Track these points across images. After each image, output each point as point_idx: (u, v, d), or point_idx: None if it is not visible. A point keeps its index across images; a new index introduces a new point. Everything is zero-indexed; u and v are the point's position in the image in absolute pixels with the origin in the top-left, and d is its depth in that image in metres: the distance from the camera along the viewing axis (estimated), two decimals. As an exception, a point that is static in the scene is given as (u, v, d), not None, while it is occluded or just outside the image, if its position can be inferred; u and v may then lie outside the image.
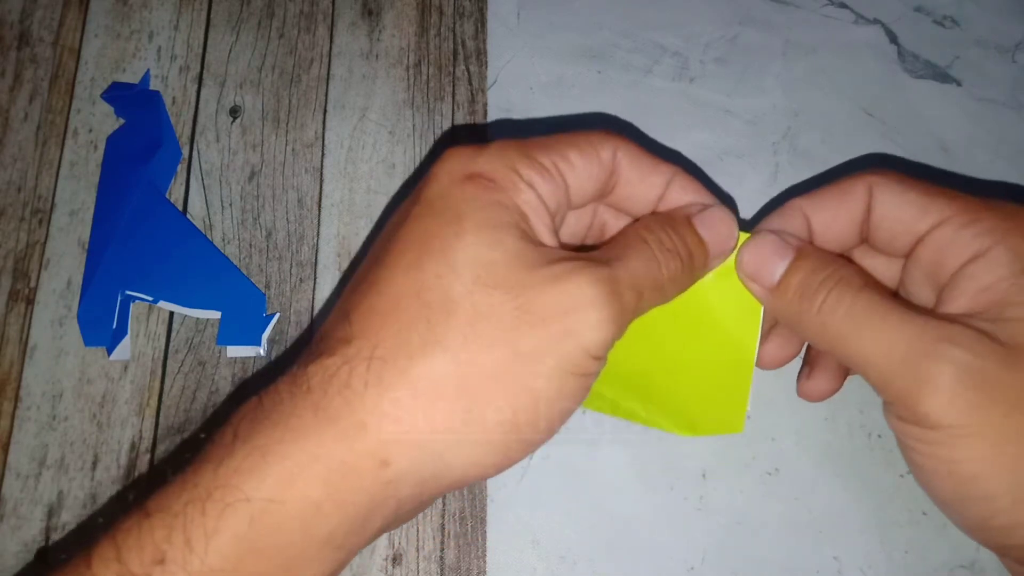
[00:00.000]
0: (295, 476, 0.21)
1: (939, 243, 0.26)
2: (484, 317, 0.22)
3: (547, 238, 0.24)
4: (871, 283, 0.26)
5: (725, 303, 0.30)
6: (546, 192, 0.24)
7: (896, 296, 0.27)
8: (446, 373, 0.22)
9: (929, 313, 0.25)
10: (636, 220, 0.27)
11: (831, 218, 0.28)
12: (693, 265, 0.26)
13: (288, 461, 0.21)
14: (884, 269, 0.29)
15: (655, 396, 0.34)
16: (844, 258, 0.28)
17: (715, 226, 0.27)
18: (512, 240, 0.23)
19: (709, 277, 0.29)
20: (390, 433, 0.22)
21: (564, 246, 0.25)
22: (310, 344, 0.25)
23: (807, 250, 0.27)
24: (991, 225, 0.25)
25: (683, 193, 0.27)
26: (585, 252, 0.25)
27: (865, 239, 0.29)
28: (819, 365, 0.32)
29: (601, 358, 0.23)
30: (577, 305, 0.22)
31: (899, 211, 0.27)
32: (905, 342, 0.24)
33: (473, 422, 0.22)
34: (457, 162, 0.24)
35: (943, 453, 0.24)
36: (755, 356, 0.31)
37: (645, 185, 0.27)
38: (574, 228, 0.29)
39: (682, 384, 0.33)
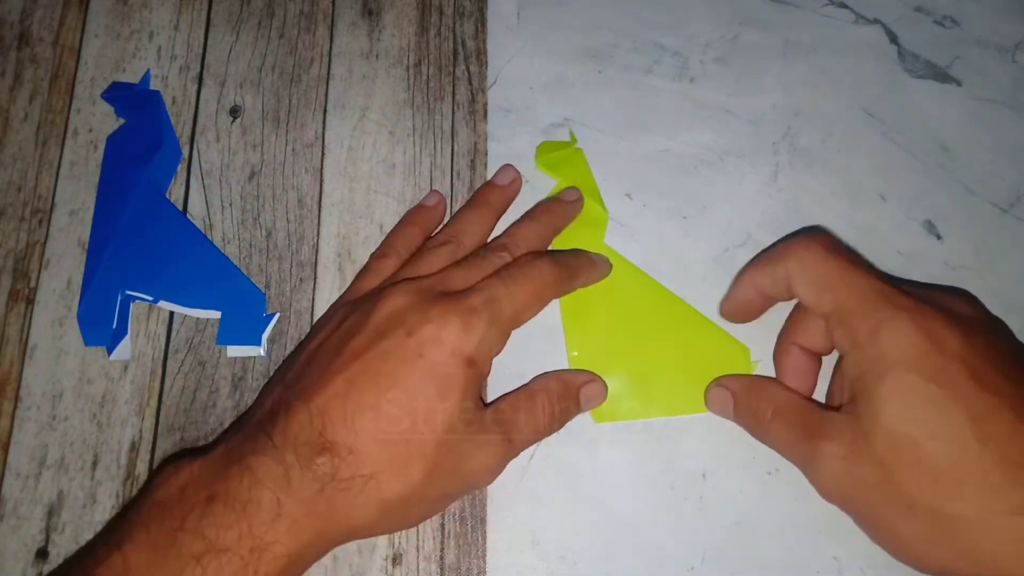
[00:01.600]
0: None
1: (838, 330, 0.32)
2: (437, 456, 0.30)
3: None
4: (779, 406, 0.34)
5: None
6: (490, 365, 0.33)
7: (802, 401, 0.34)
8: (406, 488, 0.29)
9: (818, 411, 0.32)
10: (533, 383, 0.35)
11: (770, 284, 0.34)
12: (565, 419, 0.35)
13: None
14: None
15: (667, 386, 0.37)
16: (766, 382, 0.35)
17: (594, 398, 0.36)
18: (472, 413, 0.31)
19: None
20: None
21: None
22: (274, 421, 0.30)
23: (734, 386, 0.36)
24: (861, 316, 0.31)
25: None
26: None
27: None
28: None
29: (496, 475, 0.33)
30: (488, 466, 0.32)
31: (807, 301, 0.33)
32: (796, 441, 0.32)
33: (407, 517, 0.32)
34: (461, 343, 0.30)
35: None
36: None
37: None
38: None
39: (688, 369, 0.38)
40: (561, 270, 0.35)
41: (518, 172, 0.40)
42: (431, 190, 0.40)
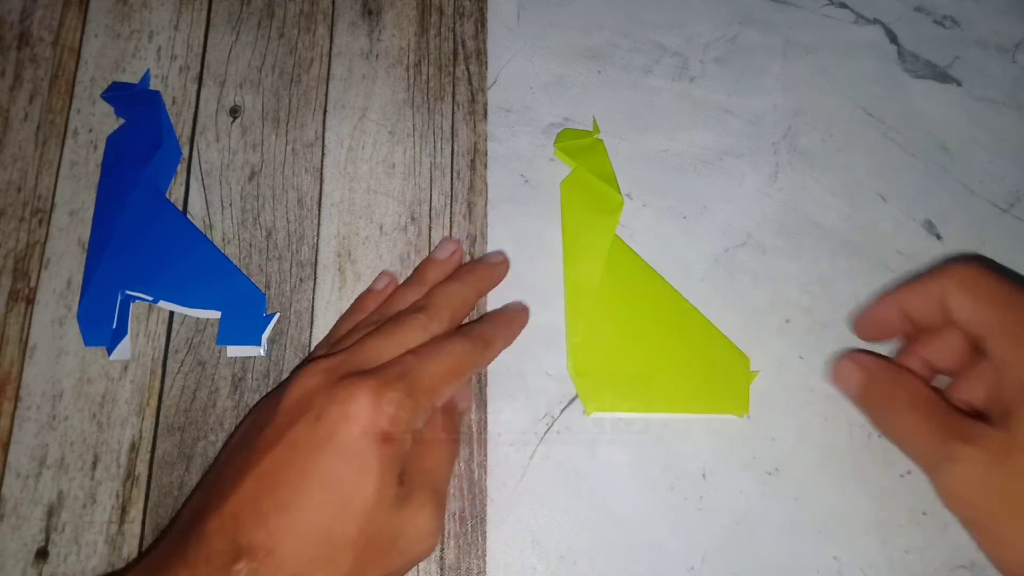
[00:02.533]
0: None
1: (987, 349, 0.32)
2: (364, 547, 0.28)
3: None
4: (918, 398, 0.33)
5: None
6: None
7: (938, 399, 0.33)
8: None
9: (959, 414, 0.32)
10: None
11: (920, 303, 0.35)
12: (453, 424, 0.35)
13: None
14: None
15: (664, 382, 0.37)
16: (902, 370, 0.35)
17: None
18: (393, 491, 0.29)
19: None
20: None
21: None
22: (189, 526, 0.28)
23: (874, 368, 0.35)
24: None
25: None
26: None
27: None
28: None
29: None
30: (420, 538, 0.30)
31: (964, 316, 0.33)
32: (930, 438, 0.32)
33: None
34: (375, 413, 0.29)
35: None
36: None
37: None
38: None
39: (687, 368, 0.38)
40: (475, 344, 0.33)
41: (458, 244, 0.38)
42: (382, 272, 0.38)
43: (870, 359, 0.36)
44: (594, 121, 0.42)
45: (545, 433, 0.37)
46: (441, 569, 0.34)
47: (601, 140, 0.42)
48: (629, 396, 0.37)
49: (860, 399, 0.35)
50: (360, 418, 0.28)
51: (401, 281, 0.38)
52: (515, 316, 0.37)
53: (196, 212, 0.39)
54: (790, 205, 0.41)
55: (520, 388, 0.37)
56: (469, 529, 0.35)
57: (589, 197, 0.40)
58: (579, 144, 0.41)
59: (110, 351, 0.36)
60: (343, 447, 0.28)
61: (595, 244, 0.39)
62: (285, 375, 0.37)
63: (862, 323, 0.38)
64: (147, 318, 0.37)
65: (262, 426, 0.30)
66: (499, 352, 0.36)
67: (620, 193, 0.40)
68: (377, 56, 0.43)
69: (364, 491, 0.28)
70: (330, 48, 0.43)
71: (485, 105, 0.42)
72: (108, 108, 0.41)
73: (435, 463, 0.32)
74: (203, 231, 0.39)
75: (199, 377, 0.37)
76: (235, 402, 0.36)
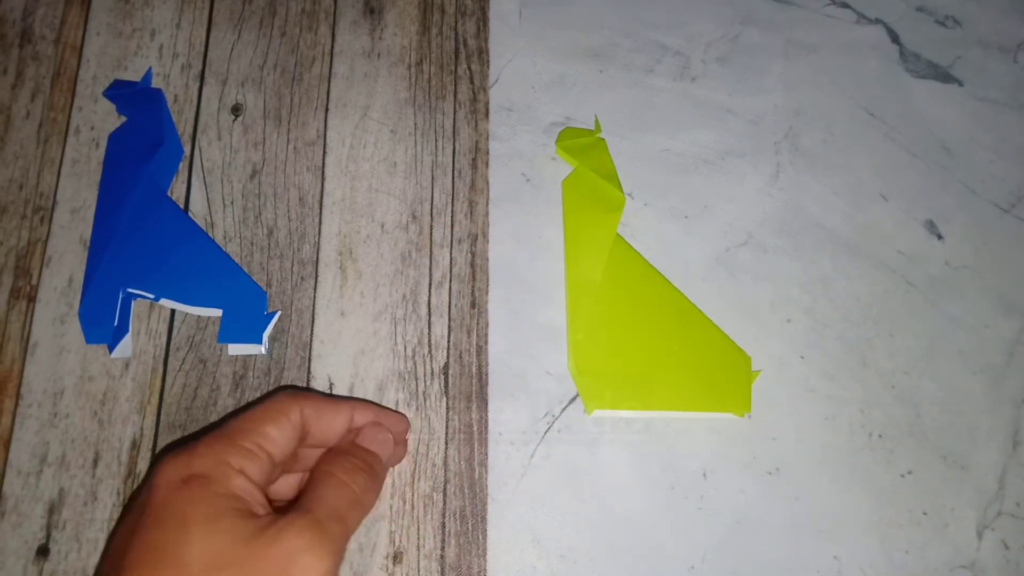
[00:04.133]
0: None
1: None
2: None
3: (260, 509, 0.28)
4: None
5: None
6: (255, 472, 0.28)
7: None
8: None
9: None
10: (320, 459, 0.31)
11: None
12: (375, 471, 0.31)
13: None
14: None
15: (666, 382, 0.37)
16: None
17: (374, 438, 0.32)
18: (229, 523, 0.26)
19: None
20: None
21: (279, 502, 0.32)
22: None
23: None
24: None
25: (365, 417, 0.33)
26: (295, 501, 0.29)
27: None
28: None
29: None
30: (293, 556, 0.26)
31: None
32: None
33: None
34: (173, 469, 0.27)
35: None
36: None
37: (331, 426, 0.32)
38: (288, 480, 0.33)
39: (689, 367, 0.38)
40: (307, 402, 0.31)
41: (388, 434, 0.33)
42: None
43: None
44: (596, 120, 0.42)
45: (546, 432, 0.37)
46: (442, 568, 0.34)
47: (603, 139, 0.42)
48: (630, 395, 0.37)
49: None
50: (161, 473, 0.27)
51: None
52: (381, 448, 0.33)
53: (198, 210, 0.39)
54: (791, 205, 0.41)
55: (521, 387, 0.37)
56: (470, 528, 0.35)
57: (591, 195, 0.40)
58: (581, 143, 0.41)
59: (111, 349, 0.36)
60: (153, 511, 0.27)
61: (597, 242, 0.39)
62: (286, 373, 0.37)
63: None
64: (148, 316, 0.38)
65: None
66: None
67: (622, 191, 0.40)
68: (379, 55, 0.43)
69: (176, 538, 0.26)
70: (332, 47, 0.43)
71: (487, 104, 0.42)
72: (110, 106, 0.41)
73: (326, 497, 0.29)
74: (205, 229, 0.39)
75: (200, 375, 0.37)
76: (236, 400, 0.36)
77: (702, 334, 0.38)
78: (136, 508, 0.28)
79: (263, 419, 0.29)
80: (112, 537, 0.31)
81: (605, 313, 0.38)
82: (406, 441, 0.36)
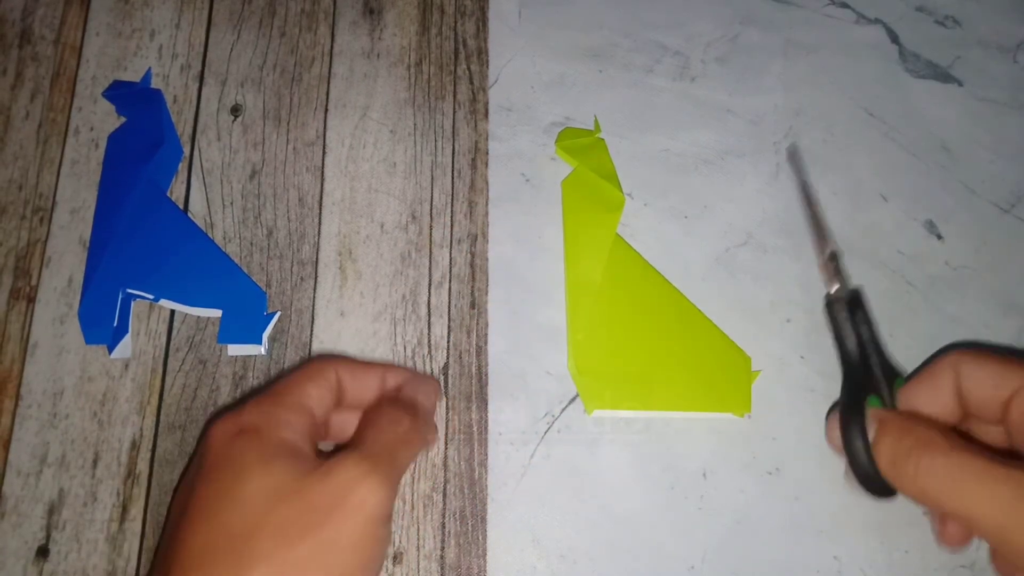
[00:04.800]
0: None
1: (1020, 408, 0.31)
2: (284, 525, 0.26)
3: (310, 455, 0.29)
4: (959, 443, 0.30)
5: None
6: (300, 424, 0.30)
7: (989, 450, 0.29)
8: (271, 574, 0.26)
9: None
10: (364, 412, 0.33)
11: (929, 402, 0.33)
12: (419, 416, 0.32)
13: None
14: (994, 435, 0.33)
15: (666, 381, 0.37)
16: (930, 421, 0.32)
17: (417, 388, 0.33)
18: (283, 463, 0.28)
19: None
20: None
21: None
22: None
23: (888, 419, 0.32)
24: None
25: (396, 378, 0.34)
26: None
27: (967, 411, 0.33)
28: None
29: (387, 515, 0.28)
30: (347, 487, 0.27)
31: (981, 386, 0.32)
32: (1010, 495, 0.27)
33: None
34: (224, 425, 0.29)
35: None
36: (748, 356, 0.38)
37: (365, 386, 0.33)
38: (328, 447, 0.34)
39: (689, 367, 0.38)
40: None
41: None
42: None
43: (884, 412, 0.33)
44: (595, 120, 0.42)
45: (546, 432, 0.37)
46: (441, 568, 0.34)
47: (602, 139, 0.42)
48: (630, 395, 0.37)
49: (883, 453, 0.32)
50: (214, 430, 0.29)
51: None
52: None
53: (197, 211, 0.39)
54: (791, 205, 0.41)
55: (521, 387, 0.37)
56: (470, 528, 0.35)
57: (590, 195, 0.40)
58: (580, 143, 0.41)
59: (111, 349, 0.36)
60: (211, 463, 0.28)
61: (596, 242, 0.39)
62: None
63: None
64: (148, 316, 0.38)
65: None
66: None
67: (622, 191, 0.40)
68: (378, 55, 0.43)
69: (235, 480, 0.28)
70: (331, 47, 0.43)
71: (486, 104, 0.42)
72: (109, 106, 0.41)
73: (374, 437, 0.30)
74: (204, 230, 0.39)
75: (200, 375, 0.37)
76: (236, 400, 0.36)
77: (702, 334, 0.38)
78: (193, 466, 0.30)
79: (303, 379, 0.31)
80: (173, 499, 0.33)
81: (605, 313, 0.38)
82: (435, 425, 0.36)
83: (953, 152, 0.43)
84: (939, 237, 0.41)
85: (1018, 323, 0.40)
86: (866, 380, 0.35)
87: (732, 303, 0.39)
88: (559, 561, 0.35)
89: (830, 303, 0.37)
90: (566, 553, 0.35)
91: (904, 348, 0.39)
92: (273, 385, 0.31)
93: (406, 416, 0.31)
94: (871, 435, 0.32)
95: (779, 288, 0.40)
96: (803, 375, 0.38)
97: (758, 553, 0.35)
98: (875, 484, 0.32)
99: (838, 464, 0.37)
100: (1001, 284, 0.40)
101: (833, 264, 0.36)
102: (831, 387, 0.38)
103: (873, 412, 0.33)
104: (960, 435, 0.32)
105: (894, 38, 0.45)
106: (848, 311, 0.36)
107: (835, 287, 0.37)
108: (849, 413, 0.33)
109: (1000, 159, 0.43)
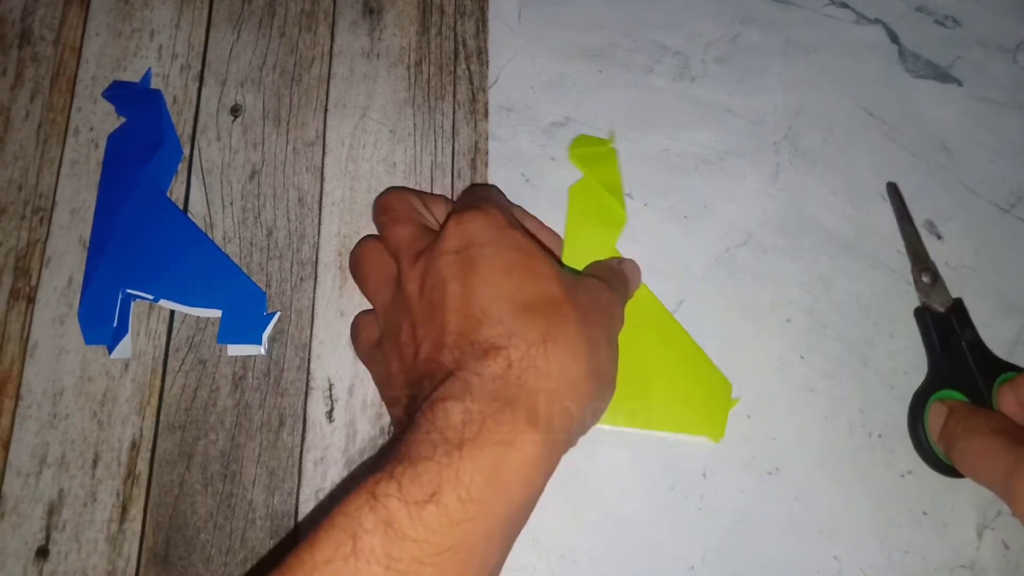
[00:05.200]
0: (523, 432, 0.27)
1: None
2: (582, 306, 0.31)
3: None
4: (1000, 427, 0.34)
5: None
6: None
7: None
8: (577, 339, 0.30)
9: None
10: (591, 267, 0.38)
11: (1014, 400, 0.36)
12: (627, 283, 0.38)
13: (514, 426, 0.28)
14: None
15: (644, 398, 0.37)
16: (998, 414, 0.36)
17: (631, 268, 0.38)
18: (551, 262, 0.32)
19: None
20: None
21: None
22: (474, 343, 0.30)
23: (952, 408, 0.36)
24: None
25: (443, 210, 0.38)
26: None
27: None
28: None
29: (618, 328, 0.34)
30: (613, 301, 0.34)
31: None
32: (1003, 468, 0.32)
33: (598, 369, 0.31)
34: (494, 216, 0.33)
35: None
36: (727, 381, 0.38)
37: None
38: None
39: (668, 387, 0.38)
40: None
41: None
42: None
43: (951, 401, 0.37)
44: (611, 132, 0.42)
45: (545, 432, 0.37)
46: (441, 568, 0.34)
47: (615, 150, 0.41)
48: (631, 411, 0.37)
49: (942, 437, 0.36)
50: (481, 229, 0.32)
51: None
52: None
53: (197, 211, 0.39)
54: (791, 205, 0.41)
55: (520, 387, 0.37)
56: (469, 528, 0.35)
57: (594, 208, 0.40)
58: (593, 152, 0.41)
59: (111, 349, 0.36)
60: (497, 236, 0.32)
61: (593, 255, 0.39)
62: (285, 374, 0.37)
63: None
64: (148, 317, 0.38)
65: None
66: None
67: (624, 209, 0.40)
68: (378, 55, 0.43)
69: (530, 256, 0.31)
70: (331, 47, 0.43)
71: (486, 104, 0.42)
72: (109, 107, 0.41)
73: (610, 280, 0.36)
74: (204, 230, 0.39)
75: (200, 376, 0.37)
76: (235, 401, 0.36)
77: (686, 356, 0.38)
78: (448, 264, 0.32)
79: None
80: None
81: None
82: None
83: (953, 152, 0.43)
84: (939, 237, 0.41)
85: (1018, 323, 0.40)
86: (954, 378, 0.37)
87: (732, 303, 0.39)
88: (559, 561, 0.35)
89: (921, 314, 0.39)
90: (566, 553, 0.35)
91: (904, 348, 0.39)
92: (470, 199, 0.36)
93: (622, 279, 0.37)
94: (933, 423, 0.36)
95: (779, 288, 0.40)
96: (803, 375, 0.38)
97: (758, 553, 0.35)
98: (938, 465, 0.37)
99: (838, 464, 0.37)
100: (1001, 284, 0.40)
101: (930, 281, 0.39)
102: (831, 387, 0.38)
103: (938, 403, 0.37)
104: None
105: (894, 38, 0.45)
106: (940, 321, 0.39)
107: (933, 302, 0.39)
108: (917, 404, 0.38)
109: (1000, 159, 0.43)
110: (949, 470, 0.36)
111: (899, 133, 0.43)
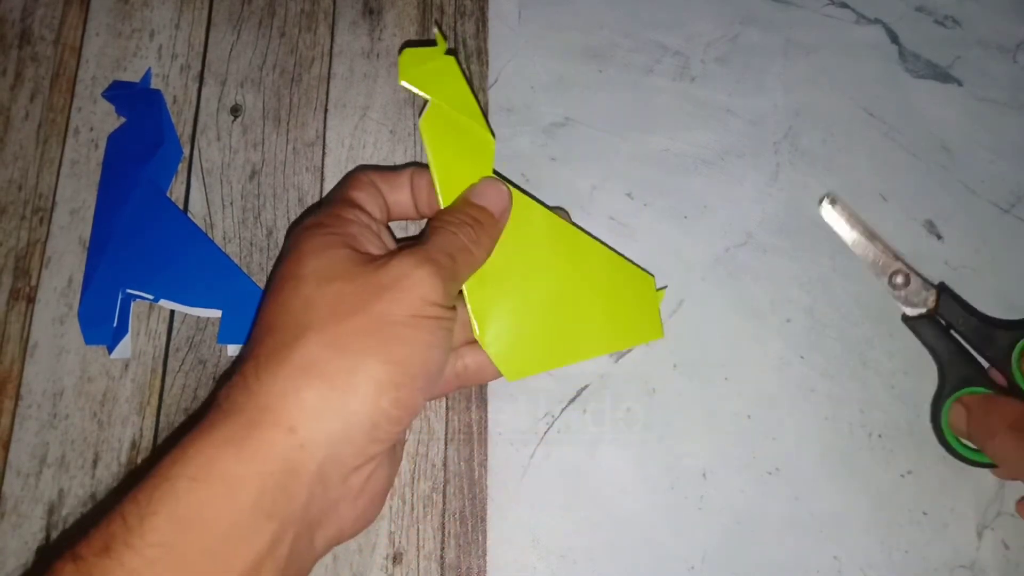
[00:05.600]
0: (211, 456, 0.25)
1: None
2: (336, 300, 0.28)
3: (375, 250, 0.31)
4: (1017, 422, 0.34)
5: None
6: (358, 221, 0.32)
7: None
8: (320, 345, 0.27)
9: None
10: (430, 219, 0.33)
11: None
12: (483, 226, 0.32)
13: (205, 446, 0.25)
14: None
15: (577, 329, 0.35)
16: (1004, 405, 0.36)
17: (484, 193, 0.33)
18: (342, 252, 0.30)
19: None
20: (289, 405, 0.26)
21: None
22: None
23: (970, 405, 0.37)
24: None
25: (422, 176, 0.34)
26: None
27: None
28: None
29: (438, 303, 0.29)
30: (404, 274, 0.29)
31: None
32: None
33: (356, 371, 0.27)
34: (299, 224, 0.31)
35: None
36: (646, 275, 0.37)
37: (397, 184, 0.34)
38: None
39: (596, 307, 0.35)
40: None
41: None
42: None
43: (968, 398, 0.37)
44: (438, 34, 0.35)
45: (545, 433, 0.37)
46: (441, 568, 0.34)
47: (452, 58, 0.35)
48: (544, 354, 0.34)
49: (971, 439, 0.37)
50: (290, 229, 0.32)
51: None
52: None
53: (197, 211, 0.39)
54: (791, 205, 0.41)
55: (520, 387, 0.37)
56: (469, 528, 0.35)
57: (456, 139, 0.34)
58: (430, 68, 0.34)
59: (111, 350, 0.36)
60: (283, 249, 0.31)
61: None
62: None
63: None
64: (148, 317, 0.38)
65: None
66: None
67: (487, 127, 0.35)
68: (378, 55, 0.43)
69: (296, 263, 0.30)
70: (331, 47, 0.43)
71: (486, 104, 0.42)
72: (109, 107, 0.41)
73: (434, 240, 0.31)
74: (204, 230, 0.39)
75: (200, 376, 0.37)
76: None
77: (601, 268, 0.36)
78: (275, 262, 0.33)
79: (346, 187, 0.33)
80: None
81: (499, 272, 0.34)
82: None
83: (953, 152, 0.43)
84: (939, 237, 0.41)
85: (1018, 323, 0.40)
86: (962, 375, 0.38)
87: (732, 303, 0.39)
88: (559, 561, 0.35)
89: (909, 322, 0.39)
90: (566, 553, 0.35)
91: (904, 348, 0.39)
92: (326, 200, 0.33)
93: (467, 226, 0.32)
94: (956, 427, 0.37)
95: (779, 288, 0.40)
96: (803, 375, 0.38)
97: (758, 553, 0.35)
98: (963, 458, 0.37)
99: (838, 464, 0.37)
100: (1001, 284, 0.40)
101: (904, 282, 0.39)
102: (831, 387, 0.38)
103: (955, 405, 0.37)
104: None
105: (894, 38, 0.45)
106: (928, 325, 0.39)
107: (915, 304, 0.39)
108: (935, 406, 0.38)
109: (1000, 159, 0.43)
110: (974, 463, 0.37)
111: (899, 133, 0.43)
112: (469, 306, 0.33)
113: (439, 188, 0.34)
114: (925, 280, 0.39)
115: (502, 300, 0.34)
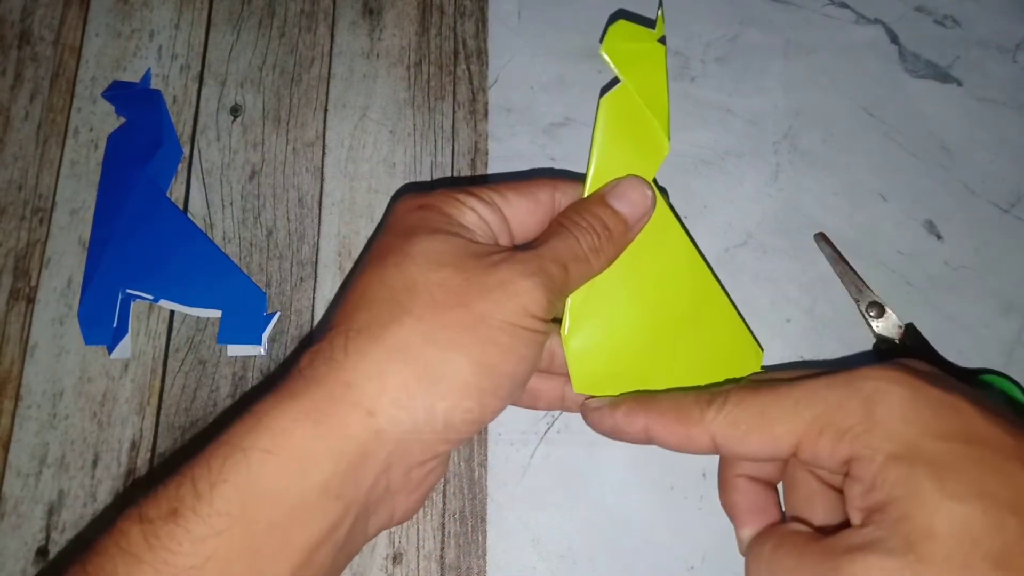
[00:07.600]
0: (287, 429, 0.25)
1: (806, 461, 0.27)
2: (440, 289, 0.27)
3: (488, 243, 0.30)
4: (786, 541, 0.27)
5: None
6: (484, 213, 0.30)
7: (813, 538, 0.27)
8: (415, 332, 0.26)
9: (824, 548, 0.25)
10: (562, 210, 0.31)
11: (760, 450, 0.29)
12: (612, 234, 0.31)
13: (281, 417, 0.25)
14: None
15: (661, 371, 0.32)
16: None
17: (625, 195, 0.31)
18: (455, 239, 0.28)
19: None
20: (373, 387, 0.25)
21: None
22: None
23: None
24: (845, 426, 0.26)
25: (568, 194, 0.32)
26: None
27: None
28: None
29: (540, 317, 0.28)
30: (511, 279, 0.27)
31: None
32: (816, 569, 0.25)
33: (445, 366, 0.26)
34: (410, 199, 0.30)
35: None
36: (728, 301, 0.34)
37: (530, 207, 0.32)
38: None
39: (689, 359, 0.33)
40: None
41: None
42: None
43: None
44: (660, 14, 0.33)
45: (546, 432, 0.37)
46: (441, 568, 0.34)
47: (662, 46, 0.32)
48: (618, 379, 0.32)
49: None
50: (398, 203, 0.30)
51: None
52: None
53: (197, 211, 0.39)
54: (790, 205, 0.41)
55: (520, 387, 0.37)
56: (469, 528, 0.35)
57: (631, 129, 0.32)
58: (636, 49, 0.32)
59: (111, 350, 0.36)
60: (387, 227, 0.30)
61: None
62: (285, 374, 0.37)
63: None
64: (148, 317, 0.38)
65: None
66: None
67: (667, 134, 0.32)
68: (378, 55, 0.43)
69: (404, 240, 0.28)
70: (331, 47, 0.43)
71: (486, 104, 0.42)
72: (109, 107, 0.41)
73: (552, 244, 0.29)
74: (204, 230, 0.39)
75: (200, 376, 0.37)
76: (235, 401, 0.36)
77: (713, 319, 0.33)
78: (376, 232, 0.32)
79: (509, 186, 0.31)
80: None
81: (612, 278, 0.31)
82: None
83: (953, 152, 0.43)
84: (939, 237, 0.41)
85: (1018, 323, 0.40)
86: None
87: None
88: (559, 561, 0.35)
89: (877, 347, 0.39)
90: (566, 553, 0.35)
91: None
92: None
93: (591, 233, 0.30)
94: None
95: (779, 288, 0.40)
96: (803, 375, 0.38)
97: (758, 553, 0.35)
98: None
99: (838, 464, 0.37)
100: (1001, 284, 0.40)
101: (877, 314, 0.38)
102: (831, 387, 0.38)
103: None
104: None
105: (893, 38, 0.45)
106: (895, 353, 0.38)
107: (887, 332, 0.39)
108: None
109: (1000, 159, 0.43)
110: None
111: (899, 133, 0.43)
112: (569, 303, 0.32)
113: (591, 176, 0.31)
114: (893, 315, 0.39)
115: (603, 310, 0.32)
